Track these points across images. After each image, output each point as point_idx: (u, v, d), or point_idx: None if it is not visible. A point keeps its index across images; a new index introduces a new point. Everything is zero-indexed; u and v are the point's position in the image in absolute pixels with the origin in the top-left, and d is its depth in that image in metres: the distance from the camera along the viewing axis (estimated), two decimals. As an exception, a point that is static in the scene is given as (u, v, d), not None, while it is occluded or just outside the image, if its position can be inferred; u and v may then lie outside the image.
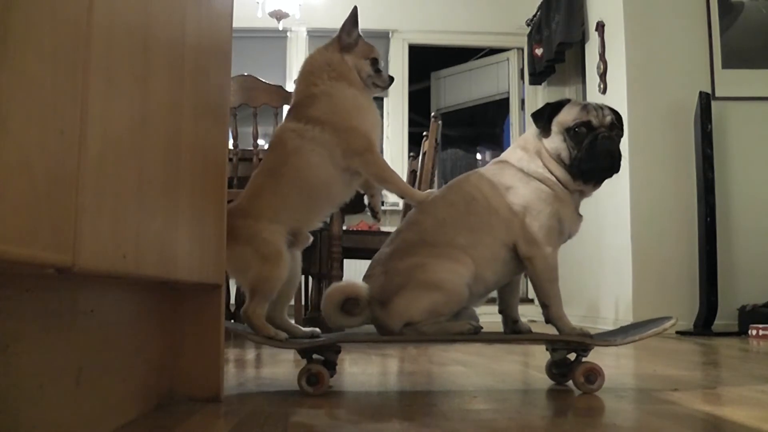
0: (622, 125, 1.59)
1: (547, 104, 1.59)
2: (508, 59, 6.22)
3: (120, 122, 0.76)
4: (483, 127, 7.64)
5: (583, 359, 1.42)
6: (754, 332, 3.34)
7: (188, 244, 1.07)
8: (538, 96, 5.94)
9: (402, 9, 5.94)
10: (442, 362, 2.06)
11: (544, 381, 1.58)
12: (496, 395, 1.40)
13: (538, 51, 5.41)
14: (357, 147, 1.45)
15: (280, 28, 5.62)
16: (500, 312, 1.61)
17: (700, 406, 1.24)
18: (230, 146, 2.79)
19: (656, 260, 3.88)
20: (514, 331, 1.59)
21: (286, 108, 3.49)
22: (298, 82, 1.56)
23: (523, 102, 6.13)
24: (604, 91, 4.40)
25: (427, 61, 6.36)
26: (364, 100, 1.52)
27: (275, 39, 5.90)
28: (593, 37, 4.58)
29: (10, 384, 0.71)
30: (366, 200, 1.58)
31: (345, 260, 3.12)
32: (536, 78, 5.65)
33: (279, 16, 5.40)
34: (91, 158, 0.66)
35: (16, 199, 0.53)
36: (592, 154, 1.49)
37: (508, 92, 6.21)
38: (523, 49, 6.02)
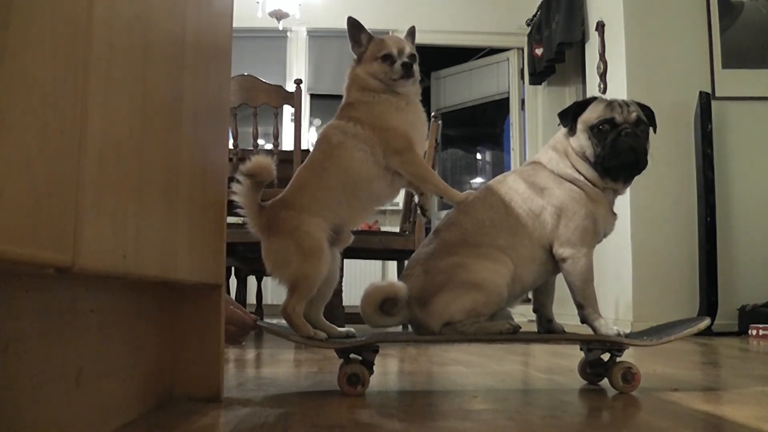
0: (652, 121, 1.59)
1: (575, 102, 1.60)
2: (508, 59, 6.22)
3: (120, 122, 0.76)
4: (483, 127, 7.63)
5: (618, 359, 1.42)
6: (754, 332, 3.35)
7: (188, 244, 1.07)
8: (538, 96, 5.94)
9: (402, 9, 5.94)
10: (442, 362, 2.06)
11: (544, 381, 1.58)
12: (496, 395, 1.40)
13: (538, 51, 5.41)
14: (396, 146, 1.45)
15: (280, 28, 5.62)
16: (534, 311, 1.62)
17: (700, 406, 1.24)
18: (230, 146, 2.79)
19: (656, 260, 3.87)
20: (548, 331, 1.59)
21: (286, 108, 3.50)
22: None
23: (523, 102, 6.13)
24: (604, 91, 4.39)
25: (427, 61, 6.34)
26: (400, 102, 1.49)
27: (275, 39, 5.91)
28: (593, 37, 4.58)
29: (10, 384, 0.71)
30: (416, 199, 1.57)
31: (345, 260, 3.11)
32: (536, 78, 5.65)
33: (279, 16, 5.41)
34: (91, 158, 0.66)
35: (16, 199, 0.53)
36: (615, 151, 1.49)
37: (508, 92, 6.21)
38: (523, 49, 6.02)
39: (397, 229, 3.68)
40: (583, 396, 1.39)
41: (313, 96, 6.02)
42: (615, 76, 4.24)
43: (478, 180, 7.87)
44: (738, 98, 3.98)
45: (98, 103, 0.68)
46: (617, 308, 4.06)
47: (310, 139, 6.00)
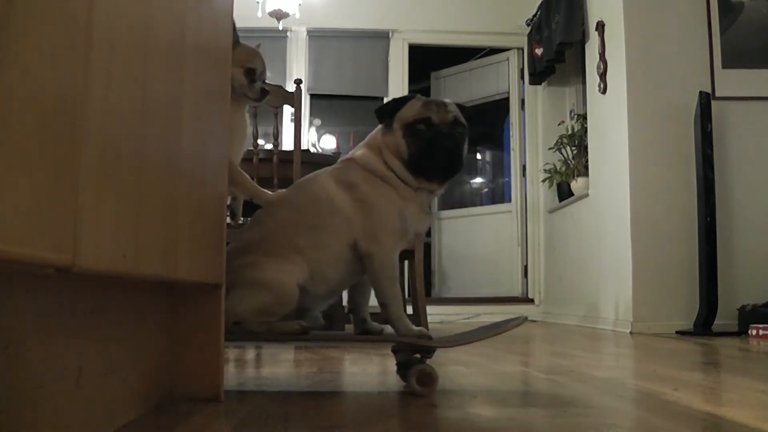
0: (469, 123, 1.55)
1: (393, 99, 1.56)
2: (508, 59, 6.22)
3: (120, 122, 0.76)
4: (483, 127, 7.63)
5: (428, 360, 1.40)
6: (754, 332, 3.34)
7: (188, 243, 1.07)
8: (538, 96, 5.94)
9: (402, 9, 5.93)
10: (442, 362, 2.06)
11: (544, 381, 1.58)
12: (496, 395, 1.40)
13: (538, 51, 5.41)
14: None
15: (280, 28, 5.62)
16: (350, 312, 1.58)
17: (700, 406, 1.24)
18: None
19: (656, 260, 3.87)
20: (363, 331, 1.55)
21: (286, 108, 3.47)
22: None
23: (523, 102, 6.12)
24: (604, 91, 4.40)
25: (427, 61, 6.35)
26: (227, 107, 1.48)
27: (275, 39, 5.90)
28: (593, 37, 4.58)
29: (10, 384, 0.71)
30: (228, 201, 1.54)
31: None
32: (536, 78, 5.65)
33: (279, 16, 5.40)
34: (91, 158, 0.66)
35: (16, 199, 0.53)
36: (429, 151, 1.45)
37: (508, 92, 6.20)
38: (523, 49, 6.02)
39: (397, 229, 3.67)
40: (584, 396, 1.39)
41: (313, 96, 6.02)
42: (615, 76, 4.24)
43: (478, 180, 7.87)
44: (738, 98, 3.97)
45: (98, 103, 0.68)
46: (617, 308, 4.06)
47: (310, 139, 6.00)
